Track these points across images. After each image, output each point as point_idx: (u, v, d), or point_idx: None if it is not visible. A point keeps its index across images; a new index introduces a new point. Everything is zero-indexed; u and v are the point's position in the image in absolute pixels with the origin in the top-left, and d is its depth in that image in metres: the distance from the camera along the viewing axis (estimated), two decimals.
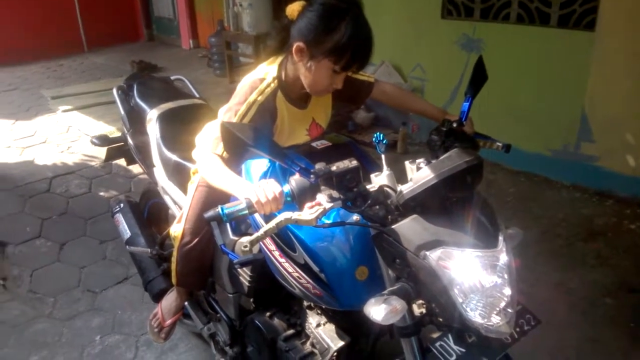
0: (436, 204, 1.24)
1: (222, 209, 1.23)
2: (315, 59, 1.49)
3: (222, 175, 1.43)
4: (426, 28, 4.66)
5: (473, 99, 1.58)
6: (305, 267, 1.46)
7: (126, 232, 2.35)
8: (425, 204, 1.24)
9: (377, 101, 1.93)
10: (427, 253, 1.19)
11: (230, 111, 1.54)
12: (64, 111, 5.06)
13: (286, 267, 1.51)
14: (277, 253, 1.52)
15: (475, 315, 1.20)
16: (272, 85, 1.59)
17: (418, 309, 1.40)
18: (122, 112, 2.38)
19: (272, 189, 1.24)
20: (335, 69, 1.49)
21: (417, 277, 1.24)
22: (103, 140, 2.48)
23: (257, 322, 1.82)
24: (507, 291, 1.23)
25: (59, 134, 4.55)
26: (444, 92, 4.59)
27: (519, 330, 1.33)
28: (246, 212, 1.24)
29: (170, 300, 2.15)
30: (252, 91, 1.56)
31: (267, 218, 1.35)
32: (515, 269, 1.26)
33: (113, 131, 4.21)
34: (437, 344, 1.27)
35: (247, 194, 1.25)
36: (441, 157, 1.25)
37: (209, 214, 1.23)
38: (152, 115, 2.20)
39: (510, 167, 4.27)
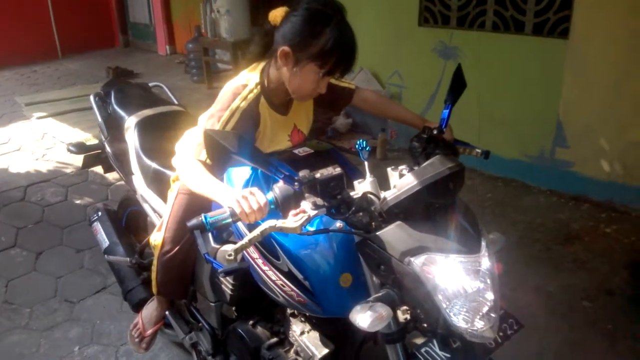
0: (419, 210, 1.25)
1: (206, 218, 1.21)
2: (300, 64, 1.49)
3: (205, 182, 1.42)
4: (404, 35, 4.70)
5: (452, 107, 1.60)
6: (289, 275, 1.45)
7: (104, 241, 2.32)
8: (409, 210, 1.25)
9: (357, 108, 1.94)
10: (412, 259, 1.20)
11: (213, 117, 1.54)
12: (39, 118, 4.97)
13: (269, 275, 1.50)
14: (260, 261, 1.51)
15: (459, 320, 1.21)
16: (255, 91, 1.59)
17: (402, 315, 1.40)
18: (100, 119, 2.35)
19: (256, 197, 1.23)
20: (320, 74, 1.50)
21: (402, 283, 1.24)
22: (79, 147, 2.44)
23: (239, 330, 1.81)
24: (490, 296, 1.24)
25: (33, 141, 4.47)
26: (422, 99, 4.63)
27: (502, 335, 1.34)
28: (230, 220, 1.24)
29: (150, 309, 2.12)
30: (235, 97, 1.56)
31: (251, 226, 1.34)
32: (497, 273, 1.28)
33: (89, 138, 4.15)
34: (423, 350, 1.28)
35: (231, 203, 1.24)
36: (424, 164, 1.26)
37: (192, 222, 1.21)
38: (130, 123, 2.18)
39: (488, 173, 4.33)
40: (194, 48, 6.59)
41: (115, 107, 2.30)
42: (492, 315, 1.24)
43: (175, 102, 2.52)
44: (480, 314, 1.23)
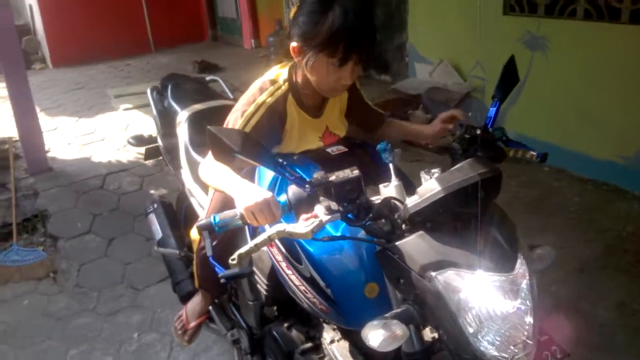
0: (446, 220, 1.12)
1: (215, 219, 1.16)
2: (312, 57, 1.41)
3: (223, 179, 1.36)
4: (488, 25, 4.44)
5: (501, 103, 1.43)
6: (311, 281, 1.37)
7: (158, 232, 2.35)
8: (434, 219, 1.12)
9: (385, 136, 1.85)
10: (433, 274, 1.08)
11: (237, 112, 1.48)
12: (125, 110, 5.22)
13: (293, 280, 1.43)
14: (284, 264, 1.44)
15: (487, 346, 1.07)
16: (283, 87, 1.52)
17: (431, 333, 1.28)
18: (155, 112, 2.38)
19: (266, 200, 1.16)
20: (335, 63, 1.39)
21: (423, 300, 1.12)
22: (139, 140, 2.50)
23: (274, 332, 1.75)
24: (528, 320, 1.10)
25: (117, 132, 4.70)
26: None
27: None
28: (239, 223, 1.18)
29: (195, 303, 2.12)
30: (262, 92, 1.50)
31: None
32: (537, 294, 1.13)
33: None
34: None
35: (242, 205, 1.18)
36: (452, 168, 1.12)
37: (201, 222, 1.17)
38: (182, 117, 2.18)
39: (576, 174, 3.97)
40: (274, 42, 6.64)
41: (171, 101, 2.32)
42: (529, 342, 1.10)
43: (231, 96, 2.51)
44: (515, 340, 1.09)
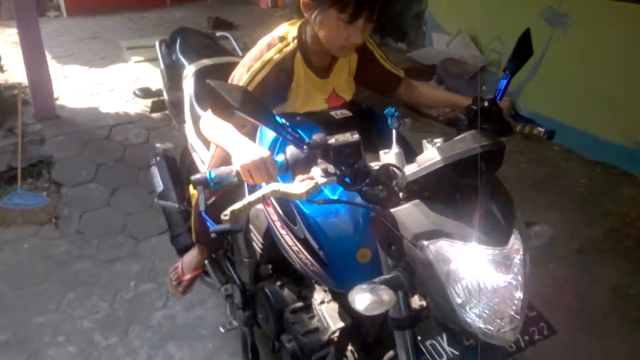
0: (444, 190, 1.10)
1: (210, 174, 1.16)
2: (321, 12, 1.37)
3: (222, 134, 1.35)
4: None
5: (512, 76, 1.39)
6: (304, 242, 1.38)
7: (159, 185, 2.36)
8: (432, 189, 1.10)
9: (403, 99, 1.78)
10: (425, 243, 1.07)
11: (243, 66, 1.46)
12: (136, 62, 5.18)
13: (287, 240, 1.43)
14: (278, 224, 1.45)
15: (474, 317, 1.07)
16: (292, 45, 1.49)
17: (419, 301, 1.29)
18: (162, 65, 2.36)
19: (262, 158, 1.15)
20: (344, 19, 1.36)
21: (413, 269, 1.12)
22: (145, 92, 2.48)
23: (267, 290, 1.77)
24: (518, 295, 1.10)
25: (127, 84, 4.66)
26: (522, 69, 4.20)
27: (527, 339, 1.19)
28: (235, 179, 1.17)
29: (191, 256, 2.14)
30: (270, 49, 1.47)
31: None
32: (530, 270, 1.12)
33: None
34: (428, 342, 1.15)
35: (239, 162, 1.17)
36: (454, 139, 1.10)
37: (196, 177, 1.16)
38: (189, 71, 2.16)
39: (586, 156, 3.93)
40: (290, 2, 6.52)
41: (179, 54, 2.29)
42: (517, 316, 1.10)
43: (240, 54, 2.46)
44: (503, 314, 1.09)
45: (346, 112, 1.54)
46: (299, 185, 1.10)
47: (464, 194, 1.09)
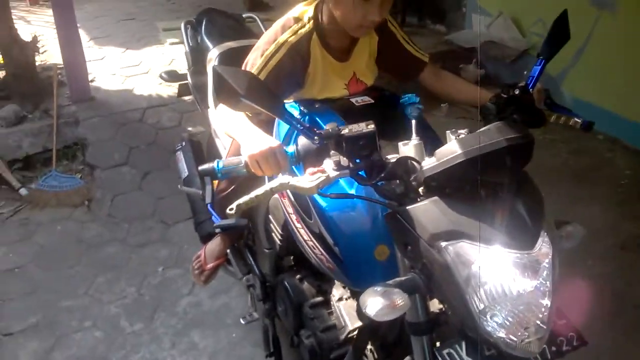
0: (465, 187, 1.02)
1: (218, 164, 1.10)
2: None
3: (232, 123, 1.29)
4: None
5: (547, 62, 1.27)
6: (319, 237, 1.31)
7: (184, 171, 2.32)
8: (452, 185, 1.02)
9: (425, 86, 1.63)
10: (444, 245, 0.99)
11: (257, 50, 1.39)
12: (172, 44, 5.16)
13: (302, 234, 1.37)
14: (294, 217, 1.39)
15: (495, 326, 0.99)
16: (308, 26, 1.41)
17: (438, 305, 1.21)
18: (187, 48, 2.31)
19: (271, 148, 1.09)
20: None
21: (431, 271, 1.04)
22: (172, 75, 2.45)
23: (286, 283, 1.72)
24: (546, 302, 1.01)
25: (162, 66, 4.65)
26: (565, 54, 3.93)
27: (554, 350, 1.10)
28: (244, 171, 1.11)
29: (214, 244, 2.11)
30: (284, 30, 1.40)
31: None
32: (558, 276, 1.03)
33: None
34: (445, 351, 1.08)
35: (247, 151, 1.11)
36: (478, 130, 1.01)
37: (204, 167, 1.11)
38: (213, 54, 2.10)
39: (632, 146, 3.72)
40: None
41: (204, 36, 2.24)
42: (543, 326, 1.01)
43: None
44: (528, 322, 1.00)
45: (367, 99, 1.45)
46: (309, 179, 1.04)
47: (487, 192, 1.01)
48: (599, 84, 3.86)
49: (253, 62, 1.38)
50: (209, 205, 1.16)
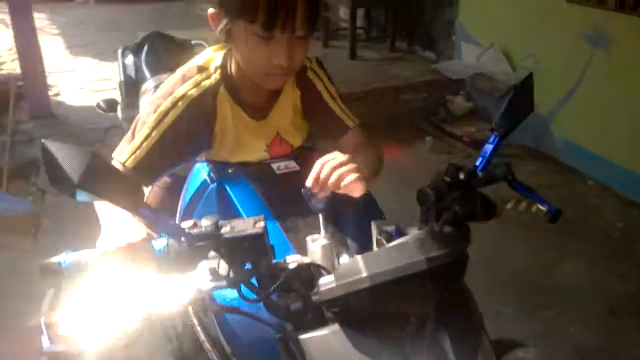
0: (374, 317, 0.77)
1: (65, 258, 0.85)
2: (231, 25, 1.05)
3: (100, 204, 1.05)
4: (547, 12, 3.90)
5: (502, 140, 1.00)
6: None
7: None
8: (357, 314, 0.77)
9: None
10: None
11: (151, 105, 1.14)
12: None
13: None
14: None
15: None
16: (214, 77, 1.16)
17: None
18: (122, 77, 2.06)
19: (131, 244, 0.84)
20: (257, 32, 1.02)
21: None
22: (110, 105, 2.20)
23: None
24: None
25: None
26: (557, 91, 3.84)
27: None
28: (99, 268, 0.86)
29: None
30: (184, 81, 1.14)
31: None
32: None
33: None
34: None
35: (101, 242, 0.87)
36: (391, 244, 0.76)
37: (45, 262, 0.85)
38: (149, 85, 1.86)
39: (623, 195, 3.48)
40: None
41: (143, 65, 1.99)
42: None
43: None
44: None
45: (292, 166, 1.19)
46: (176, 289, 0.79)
47: (403, 325, 0.76)
48: (591, 126, 3.66)
49: (144, 119, 1.12)
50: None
